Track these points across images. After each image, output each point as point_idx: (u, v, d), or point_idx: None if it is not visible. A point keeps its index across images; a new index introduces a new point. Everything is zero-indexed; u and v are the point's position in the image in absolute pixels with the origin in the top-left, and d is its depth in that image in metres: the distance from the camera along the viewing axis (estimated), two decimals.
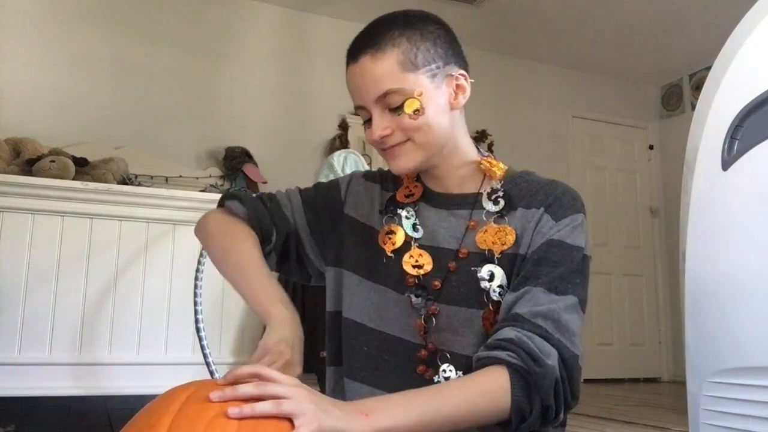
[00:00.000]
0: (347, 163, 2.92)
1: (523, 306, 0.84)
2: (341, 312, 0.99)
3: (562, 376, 0.80)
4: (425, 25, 0.92)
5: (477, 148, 1.01)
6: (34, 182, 2.29)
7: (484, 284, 0.89)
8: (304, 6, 4.38)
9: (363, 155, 3.24)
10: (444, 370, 0.89)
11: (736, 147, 1.18)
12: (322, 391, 1.03)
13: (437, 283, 0.91)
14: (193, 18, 4.12)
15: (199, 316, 2.13)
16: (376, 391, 0.91)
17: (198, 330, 2.12)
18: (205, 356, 2.12)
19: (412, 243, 0.95)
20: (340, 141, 4.27)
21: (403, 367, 0.92)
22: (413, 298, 0.91)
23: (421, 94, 0.89)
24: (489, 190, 0.95)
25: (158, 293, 2.33)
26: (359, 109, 0.93)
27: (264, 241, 1.00)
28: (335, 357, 1.01)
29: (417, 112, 0.89)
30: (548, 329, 0.82)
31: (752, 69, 1.21)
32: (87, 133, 3.61)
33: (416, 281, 0.92)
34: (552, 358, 0.80)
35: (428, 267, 0.92)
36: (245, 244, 0.96)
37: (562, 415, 0.82)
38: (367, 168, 3.09)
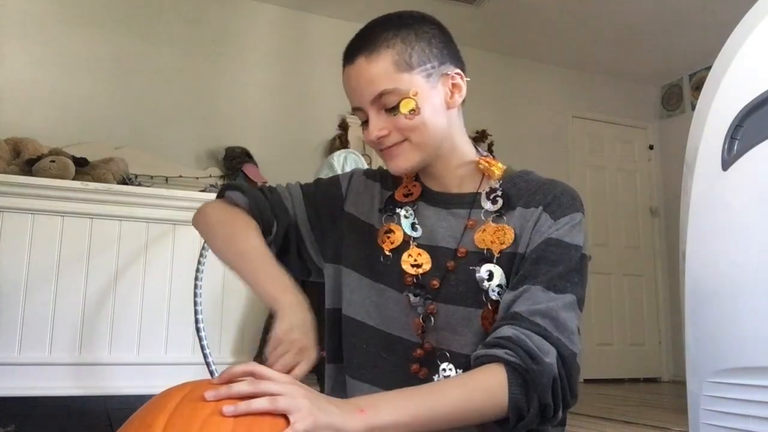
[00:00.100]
0: (347, 163, 2.92)
1: (522, 304, 0.84)
2: (340, 309, 1.00)
3: (560, 374, 0.80)
4: (420, 25, 0.92)
5: (476, 147, 1.01)
6: (34, 182, 2.29)
7: (484, 284, 0.89)
8: (304, 6, 4.38)
9: (363, 155, 3.24)
10: (444, 369, 0.89)
11: (736, 147, 1.18)
12: (322, 391, 1.03)
13: (435, 283, 0.91)
14: (193, 18, 4.12)
15: (199, 316, 2.13)
16: (375, 389, 0.92)
17: (198, 330, 2.12)
18: (205, 356, 2.12)
19: (411, 242, 0.95)
20: (340, 141, 4.27)
21: (401, 365, 0.92)
22: (411, 298, 0.91)
23: (416, 94, 0.89)
24: (488, 189, 0.96)
25: (158, 293, 2.34)
26: (356, 110, 0.94)
27: (264, 231, 0.99)
28: (334, 354, 1.01)
29: (413, 111, 0.89)
30: (547, 327, 0.82)
31: (752, 69, 1.21)
32: (87, 133, 3.61)
33: (415, 280, 0.92)
34: (550, 356, 0.80)
35: (427, 266, 0.93)
36: (248, 232, 0.96)
37: (560, 414, 0.82)
38: (368, 168, 3.09)
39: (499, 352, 0.79)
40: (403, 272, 0.93)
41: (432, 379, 0.89)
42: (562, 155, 5.13)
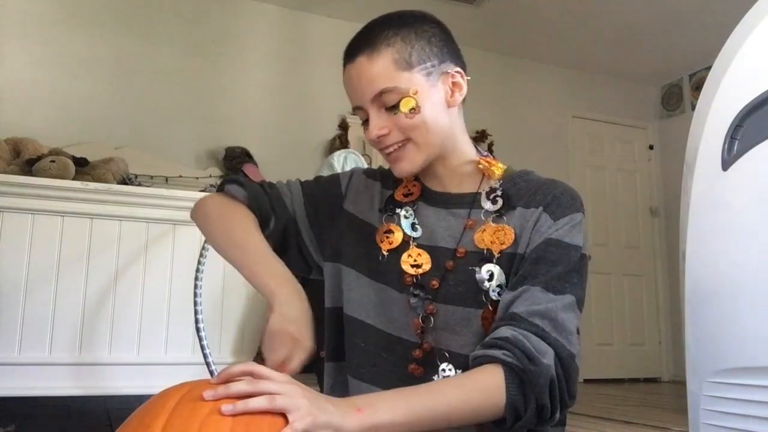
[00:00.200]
0: (347, 163, 2.92)
1: (521, 305, 0.84)
2: (340, 308, 0.99)
3: (558, 375, 0.80)
4: (420, 24, 0.92)
5: (476, 147, 1.01)
6: (34, 182, 2.29)
7: (484, 284, 0.89)
8: (304, 6, 4.38)
9: (363, 155, 3.24)
10: (443, 370, 0.89)
11: (736, 147, 1.18)
12: (321, 391, 1.03)
13: (435, 283, 0.91)
14: (193, 18, 4.13)
15: (199, 316, 2.12)
16: (374, 389, 0.91)
17: (198, 330, 2.12)
18: (205, 356, 2.12)
19: (411, 242, 0.95)
20: (340, 141, 4.28)
21: (400, 365, 0.92)
22: (411, 298, 0.91)
23: (416, 93, 0.89)
24: (487, 189, 0.96)
25: (158, 293, 2.33)
26: (357, 109, 0.94)
27: (262, 225, 0.99)
28: (334, 353, 1.01)
29: (413, 110, 0.89)
30: (545, 328, 0.82)
31: (752, 69, 1.21)
32: (87, 133, 3.62)
33: (414, 281, 0.92)
34: (548, 357, 0.80)
35: (427, 266, 0.92)
36: (246, 225, 0.95)
37: (558, 415, 0.82)
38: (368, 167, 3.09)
39: (497, 352, 0.79)
40: (403, 272, 0.93)
41: (431, 380, 0.89)
42: (562, 155, 5.13)
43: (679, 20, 4.40)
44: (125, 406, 2.38)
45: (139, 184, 3.10)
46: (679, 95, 5.37)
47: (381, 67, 0.88)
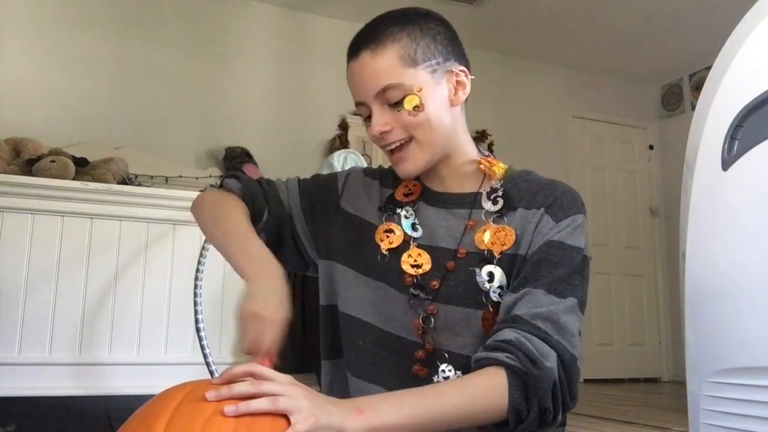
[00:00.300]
0: (347, 162, 2.92)
1: (523, 307, 0.84)
2: (334, 305, 0.99)
3: (560, 378, 0.80)
4: (425, 21, 0.92)
5: (477, 147, 1.01)
6: (34, 182, 2.29)
7: (485, 285, 0.89)
8: (304, 6, 4.38)
9: (363, 155, 3.24)
10: (443, 370, 0.89)
11: (736, 147, 1.18)
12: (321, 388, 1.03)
13: (435, 283, 0.91)
14: (193, 18, 4.12)
15: (199, 316, 2.12)
16: (374, 386, 0.92)
17: (198, 330, 2.12)
18: (205, 356, 2.12)
19: (411, 242, 0.95)
20: (340, 141, 4.27)
21: (400, 364, 0.91)
22: (411, 298, 0.91)
23: (420, 90, 0.89)
24: (488, 189, 0.95)
25: (158, 293, 2.33)
26: (359, 105, 0.93)
27: (255, 218, 1.00)
28: (330, 350, 1.01)
29: (417, 108, 0.89)
30: (548, 331, 0.81)
31: (752, 69, 1.21)
32: (87, 133, 3.61)
33: (415, 281, 0.92)
34: (551, 360, 0.80)
35: (427, 266, 0.92)
36: (234, 213, 0.96)
37: (560, 417, 0.82)
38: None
39: (500, 355, 0.79)
40: (403, 272, 0.93)
41: (431, 380, 0.89)
42: (562, 155, 5.13)
43: (679, 20, 4.40)
44: (125, 406, 2.39)
45: (139, 184, 3.10)
46: (679, 95, 5.37)
47: (386, 63, 0.88)
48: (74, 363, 2.19)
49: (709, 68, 1.34)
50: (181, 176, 3.50)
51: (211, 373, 2.11)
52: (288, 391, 0.66)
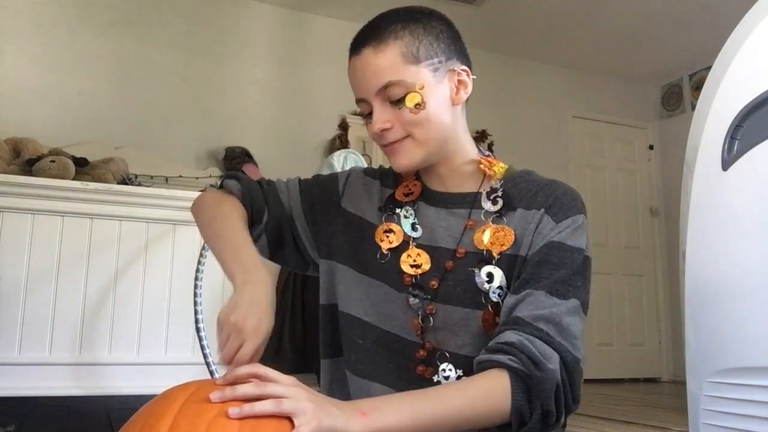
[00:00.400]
0: (347, 162, 2.92)
1: (524, 309, 0.83)
2: (334, 305, 0.99)
3: (563, 380, 0.80)
4: (428, 20, 0.92)
5: (477, 147, 1.01)
6: (34, 182, 2.29)
7: (484, 286, 0.89)
8: (304, 6, 4.38)
9: (363, 155, 3.24)
10: (444, 370, 0.89)
11: (736, 147, 1.18)
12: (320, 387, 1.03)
13: (434, 283, 0.91)
14: (193, 18, 4.12)
15: (199, 316, 2.13)
16: (374, 385, 0.92)
17: (198, 330, 2.12)
18: (205, 356, 2.12)
19: (411, 242, 0.95)
20: (340, 141, 4.27)
21: (400, 363, 0.92)
22: (410, 298, 0.91)
23: (422, 88, 0.88)
24: (488, 189, 0.95)
25: (158, 293, 2.33)
26: (360, 101, 0.93)
27: (255, 219, 0.99)
28: (330, 349, 1.01)
29: (418, 106, 0.89)
30: (550, 333, 0.81)
31: (752, 69, 1.21)
32: (87, 133, 3.61)
33: (414, 281, 0.92)
34: (553, 362, 0.79)
35: (426, 266, 0.92)
36: (230, 216, 0.95)
37: (563, 419, 0.82)
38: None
39: (503, 357, 0.79)
40: (403, 272, 0.93)
41: (433, 379, 0.89)
42: (562, 155, 5.13)
43: (679, 20, 4.40)
44: (125, 406, 2.39)
45: (139, 184, 3.10)
46: (679, 95, 5.37)
47: (388, 60, 0.88)
48: (74, 363, 2.19)
49: (709, 68, 1.34)
50: (181, 176, 3.50)
51: (211, 373, 2.11)
52: (292, 393, 0.66)
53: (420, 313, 0.91)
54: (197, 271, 2.18)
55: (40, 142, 3.04)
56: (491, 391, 0.78)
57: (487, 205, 0.94)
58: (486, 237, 0.91)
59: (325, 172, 2.93)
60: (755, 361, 1.09)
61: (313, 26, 4.46)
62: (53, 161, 2.60)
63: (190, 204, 1.05)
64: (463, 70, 0.94)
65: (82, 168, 2.71)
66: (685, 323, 1.26)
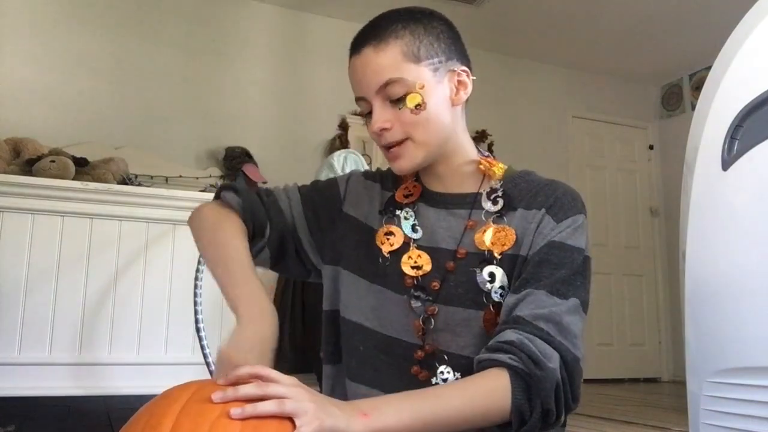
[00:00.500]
0: (347, 163, 2.92)
1: (525, 308, 0.83)
2: (338, 311, 0.99)
3: (563, 379, 0.80)
4: (429, 20, 0.92)
5: (477, 147, 1.01)
6: (34, 182, 2.29)
7: (486, 286, 0.89)
8: (304, 6, 4.38)
9: (363, 155, 3.24)
10: (441, 372, 0.89)
11: (736, 147, 1.18)
12: (320, 391, 1.03)
13: (436, 284, 0.91)
14: (193, 18, 4.12)
15: (199, 316, 2.13)
16: (374, 392, 0.91)
17: (198, 330, 2.12)
18: (205, 356, 2.12)
19: (411, 244, 0.95)
20: (340, 141, 4.27)
21: (400, 367, 0.91)
22: (412, 300, 0.91)
23: (422, 87, 0.88)
24: (488, 189, 0.95)
25: (158, 293, 2.33)
26: (360, 100, 0.93)
27: (257, 235, 0.98)
28: (332, 355, 1.01)
29: (419, 106, 0.89)
30: (550, 332, 0.81)
31: (752, 69, 1.21)
32: (87, 133, 3.61)
33: (415, 282, 0.92)
34: (553, 361, 0.80)
35: (427, 267, 0.92)
36: (231, 237, 0.93)
37: (563, 418, 0.82)
38: (367, 168, 3.09)
39: (503, 356, 0.79)
40: (403, 274, 0.92)
41: (430, 381, 0.89)
42: (562, 155, 5.13)
43: (679, 20, 4.40)
44: (125, 406, 2.39)
45: (139, 184, 3.10)
46: (679, 95, 5.37)
47: (388, 59, 0.88)
48: (74, 363, 2.19)
49: (709, 68, 1.34)
50: (181, 176, 3.50)
51: (211, 373, 2.11)
52: (293, 394, 0.66)
53: (421, 314, 0.90)
54: (197, 271, 2.18)
55: (40, 142, 3.04)
56: (491, 389, 0.78)
57: (488, 206, 0.94)
58: (488, 237, 0.91)
59: (325, 172, 2.93)
60: (755, 361, 1.09)
61: (313, 26, 4.46)
62: (53, 161, 2.60)
63: (190, 204, 1.05)
64: (463, 71, 0.94)
65: (82, 168, 2.72)
66: (685, 323, 1.26)
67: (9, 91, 3.57)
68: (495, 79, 4.91)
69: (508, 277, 0.89)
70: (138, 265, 2.33)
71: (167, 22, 4.05)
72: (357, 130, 4.27)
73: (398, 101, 0.89)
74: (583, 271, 0.88)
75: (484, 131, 4.67)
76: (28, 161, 2.70)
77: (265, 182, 3.77)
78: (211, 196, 1.63)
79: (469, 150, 0.98)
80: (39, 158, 2.67)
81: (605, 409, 3.25)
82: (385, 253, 0.95)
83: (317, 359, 1.05)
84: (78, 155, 2.79)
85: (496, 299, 0.88)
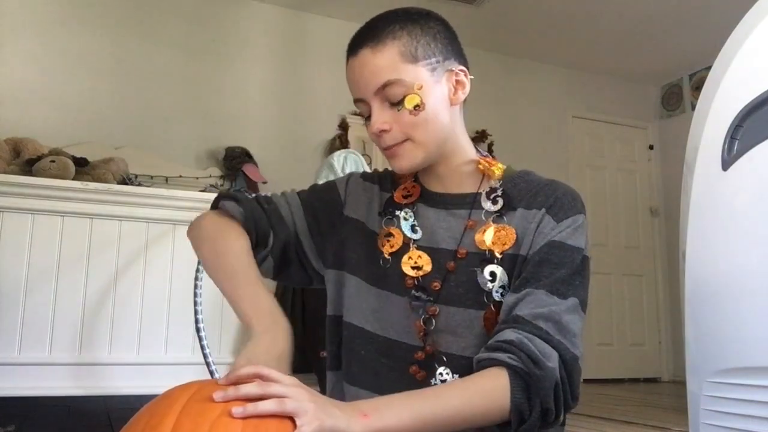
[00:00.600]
0: (347, 163, 2.92)
1: (524, 308, 0.83)
2: (341, 316, 0.99)
3: (562, 378, 0.80)
4: (426, 20, 0.92)
5: (476, 147, 1.01)
6: (34, 182, 2.29)
7: (487, 285, 0.89)
8: (303, 6, 4.38)
9: (363, 155, 3.24)
10: (441, 373, 0.89)
11: (736, 147, 1.18)
12: (322, 392, 1.03)
13: (436, 284, 0.91)
14: (193, 18, 4.13)
15: (199, 316, 2.13)
16: (373, 395, 0.91)
17: (198, 330, 2.12)
18: (205, 356, 2.12)
19: (411, 244, 0.94)
20: (340, 141, 4.27)
21: (400, 369, 0.91)
22: (413, 301, 0.91)
23: (420, 87, 0.88)
24: (488, 189, 0.95)
25: (158, 293, 2.33)
26: (358, 102, 0.93)
27: (259, 244, 0.97)
28: (335, 361, 1.00)
29: (417, 107, 0.89)
30: (549, 331, 0.81)
31: (752, 69, 1.21)
32: (87, 133, 3.62)
33: (416, 283, 0.92)
34: (552, 360, 0.80)
35: (428, 268, 0.92)
36: (236, 248, 0.92)
37: (562, 417, 0.82)
38: (367, 168, 3.09)
39: (502, 356, 0.79)
40: (404, 275, 0.92)
41: (429, 382, 0.89)
42: (562, 155, 5.13)
43: (679, 20, 4.40)
44: (125, 406, 2.39)
45: (139, 184, 3.11)
46: (679, 95, 5.37)
47: (386, 60, 0.88)
48: (74, 363, 2.19)
49: (709, 68, 1.34)
50: (181, 176, 3.50)
51: (211, 373, 2.11)
52: (294, 393, 0.67)
53: (422, 315, 0.90)
54: (197, 270, 2.18)
55: (40, 142, 3.05)
56: (491, 389, 0.78)
57: (488, 205, 0.94)
58: (488, 236, 0.91)
59: (325, 172, 2.93)
60: (755, 361, 1.09)
61: (313, 26, 4.46)
62: (53, 161, 2.60)
63: (190, 204, 1.04)
64: (461, 71, 0.94)
65: (82, 168, 2.72)
66: (685, 323, 1.27)
67: (9, 91, 3.58)
68: (495, 79, 4.91)
69: (508, 276, 0.89)
70: (138, 265, 2.33)
71: (167, 22, 4.05)
72: (357, 130, 4.27)
73: (397, 103, 0.89)
74: (582, 271, 0.88)
75: (484, 131, 4.67)
76: (28, 161, 2.70)
77: (265, 182, 3.78)
78: (211, 196, 1.62)
79: (468, 150, 0.98)
80: (39, 158, 2.67)
81: (605, 409, 3.25)
82: (386, 255, 0.95)
83: (317, 359, 1.05)
84: (78, 155, 2.79)
85: (497, 298, 0.88)
